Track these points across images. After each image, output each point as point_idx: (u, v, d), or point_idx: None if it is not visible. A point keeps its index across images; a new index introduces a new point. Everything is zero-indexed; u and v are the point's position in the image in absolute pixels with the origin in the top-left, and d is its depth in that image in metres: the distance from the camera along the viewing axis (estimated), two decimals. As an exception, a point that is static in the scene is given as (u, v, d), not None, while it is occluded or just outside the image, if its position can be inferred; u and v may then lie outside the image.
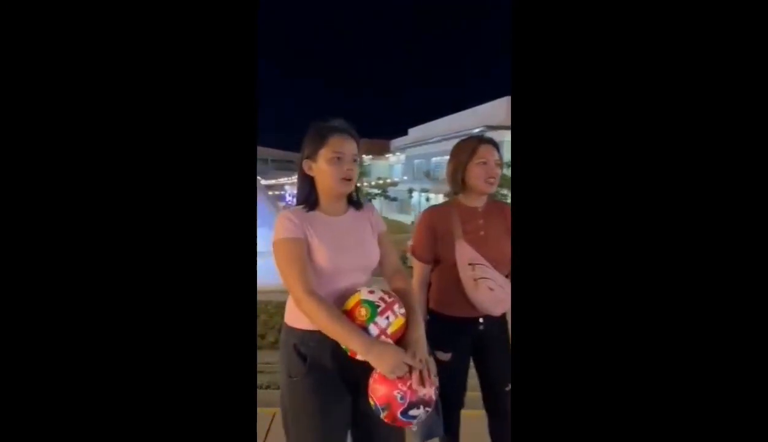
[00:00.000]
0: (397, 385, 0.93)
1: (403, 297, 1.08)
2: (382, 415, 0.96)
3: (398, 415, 0.94)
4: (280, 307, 4.65)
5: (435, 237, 1.39)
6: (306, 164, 1.11)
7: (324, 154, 1.07)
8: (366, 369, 1.01)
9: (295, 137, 1.12)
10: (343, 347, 0.99)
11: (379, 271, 1.20)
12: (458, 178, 1.40)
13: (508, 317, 1.39)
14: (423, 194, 22.02)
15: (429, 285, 1.43)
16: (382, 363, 0.93)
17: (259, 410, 2.02)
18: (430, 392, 0.95)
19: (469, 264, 1.33)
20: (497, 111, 16.63)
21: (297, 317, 1.07)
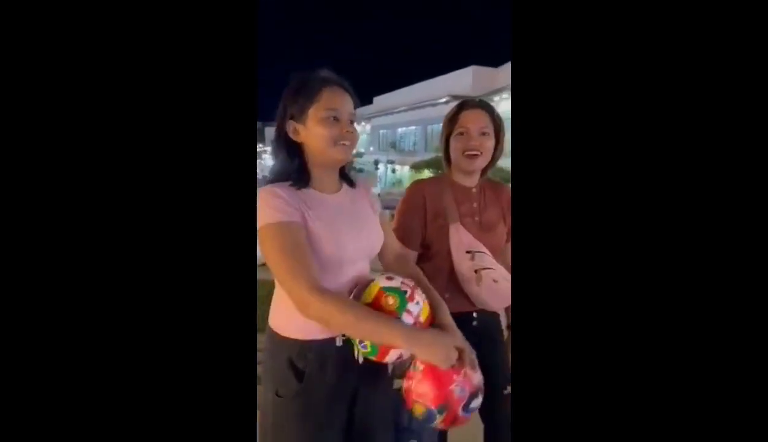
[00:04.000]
0: (452, 376, 0.79)
1: (418, 281, 0.94)
2: (438, 420, 0.80)
3: (459, 412, 0.80)
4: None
5: (425, 218, 1.19)
6: (290, 127, 0.89)
7: (315, 113, 0.86)
8: (367, 380, 0.92)
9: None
10: (366, 349, 0.85)
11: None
12: (445, 152, 1.23)
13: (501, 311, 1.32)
14: (389, 166, 21.96)
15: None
16: (435, 351, 0.77)
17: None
18: (480, 377, 0.83)
19: (467, 252, 1.15)
20: (462, 80, 16.61)
21: (291, 325, 0.89)
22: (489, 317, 1.26)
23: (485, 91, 14.82)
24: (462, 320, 1.17)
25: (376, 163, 22.85)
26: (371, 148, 26.62)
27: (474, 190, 1.24)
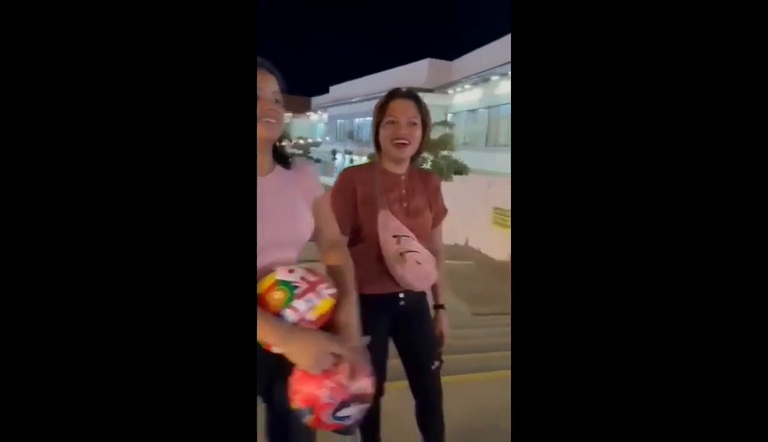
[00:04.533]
0: (323, 381, 0.77)
1: (337, 275, 0.92)
2: (307, 419, 0.80)
3: (325, 417, 0.78)
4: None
5: (355, 203, 1.23)
6: None
7: None
8: (282, 367, 0.83)
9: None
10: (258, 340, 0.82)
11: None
12: (375, 140, 1.28)
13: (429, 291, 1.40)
14: (347, 156, 21.82)
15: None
16: (303, 355, 0.77)
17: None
18: (364, 385, 0.81)
19: (394, 236, 1.22)
20: (418, 72, 16.70)
21: None
22: (416, 297, 1.31)
23: (440, 83, 15.02)
24: (389, 301, 1.27)
25: (334, 153, 22.67)
26: (327, 138, 26.31)
27: (403, 177, 1.29)
